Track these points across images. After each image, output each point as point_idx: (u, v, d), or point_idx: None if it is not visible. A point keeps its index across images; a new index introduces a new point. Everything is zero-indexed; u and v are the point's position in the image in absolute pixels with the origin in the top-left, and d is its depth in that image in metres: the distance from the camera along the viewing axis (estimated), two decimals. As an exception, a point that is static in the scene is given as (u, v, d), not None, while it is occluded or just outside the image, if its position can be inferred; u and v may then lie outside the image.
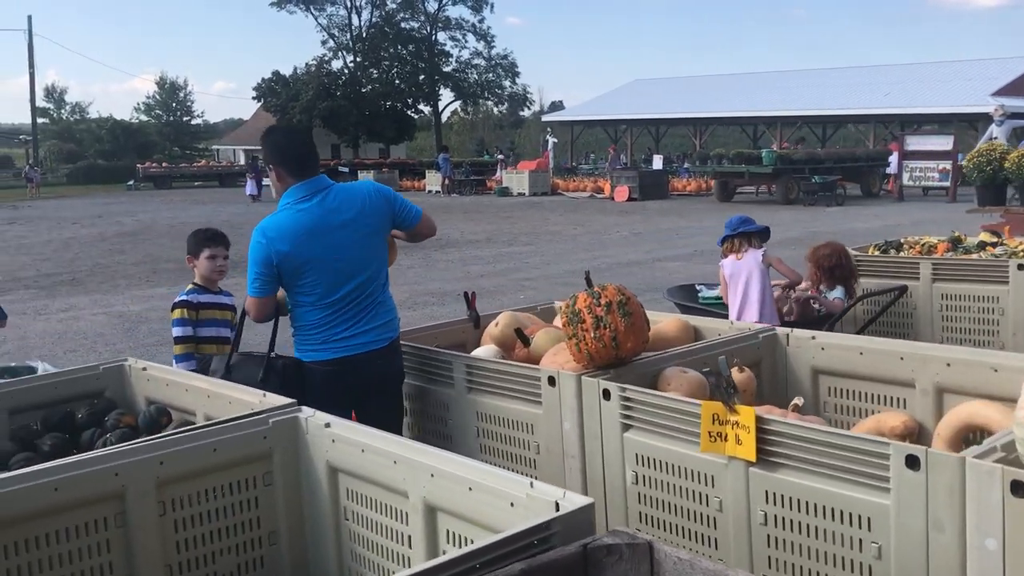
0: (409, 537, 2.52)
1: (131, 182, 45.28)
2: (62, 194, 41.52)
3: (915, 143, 24.49)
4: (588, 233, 17.79)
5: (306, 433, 2.85)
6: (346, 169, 41.61)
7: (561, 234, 17.91)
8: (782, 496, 2.55)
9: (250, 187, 30.43)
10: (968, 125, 31.87)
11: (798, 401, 2.92)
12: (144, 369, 3.75)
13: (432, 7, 64.12)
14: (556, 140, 45.45)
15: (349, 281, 3.68)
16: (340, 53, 62.76)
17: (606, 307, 3.08)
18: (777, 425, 2.54)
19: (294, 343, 3.83)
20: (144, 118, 70.95)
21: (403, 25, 63.92)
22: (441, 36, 64.72)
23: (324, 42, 63.97)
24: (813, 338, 3.57)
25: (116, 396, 3.82)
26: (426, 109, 65.67)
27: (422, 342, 4.05)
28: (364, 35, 63.02)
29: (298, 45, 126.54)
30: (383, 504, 2.59)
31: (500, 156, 38.31)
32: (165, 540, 2.66)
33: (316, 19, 63.28)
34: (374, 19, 63.29)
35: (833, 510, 2.44)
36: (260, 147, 3.93)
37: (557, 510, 2.03)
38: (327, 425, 2.77)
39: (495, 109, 75.12)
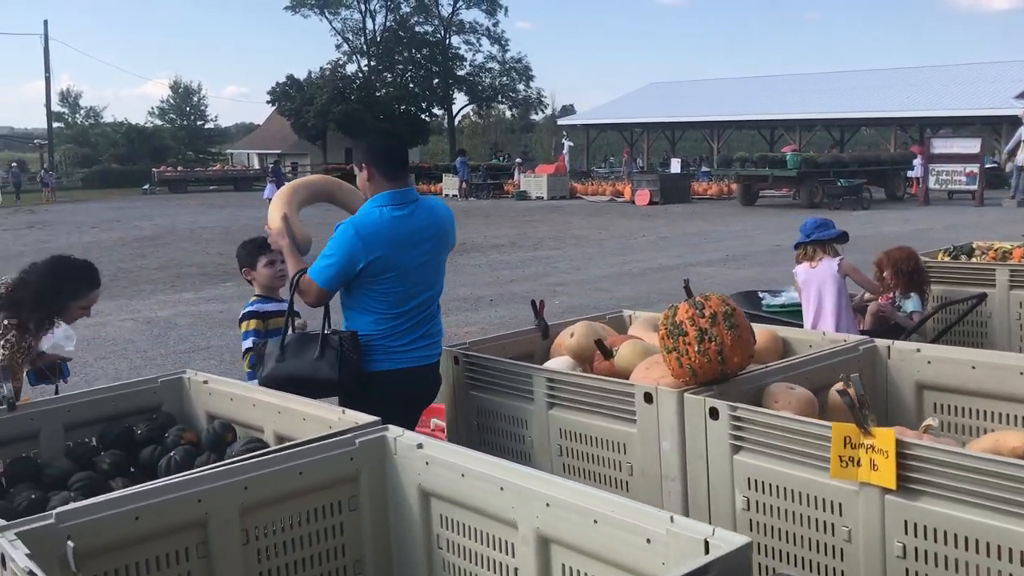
0: (516, 570, 2.32)
1: (146, 186, 45.25)
2: (78, 198, 41.52)
3: (941, 146, 24.21)
4: (613, 237, 17.57)
5: (394, 454, 2.65)
6: (362, 173, 41.52)
7: (586, 238, 17.70)
8: (925, 527, 2.34)
9: (269, 191, 30.24)
10: (991, 129, 31.49)
11: (932, 422, 2.70)
12: (205, 382, 3.56)
13: (446, 11, 64.22)
14: (572, 144, 45.27)
15: (420, 294, 3.62)
16: (354, 57, 62.83)
17: (710, 319, 2.87)
18: (921, 450, 2.33)
19: None
20: (158, 122, 71.07)
21: (417, 29, 63.97)
22: (455, 40, 64.83)
23: (338, 46, 64.16)
24: (918, 351, 3.35)
25: (174, 410, 3.63)
26: (439, 113, 65.63)
27: (490, 353, 3.85)
28: (378, 39, 63.03)
29: (310, 49, 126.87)
30: (485, 534, 2.39)
31: (518, 160, 38.08)
32: (248, 570, 2.47)
33: (331, 23, 63.48)
34: (388, 23, 63.33)
35: (988, 544, 2.23)
36: (359, 142, 3.83)
37: (708, 550, 1.83)
38: (419, 446, 2.57)
39: (507, 113, 74.98)
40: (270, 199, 22.89)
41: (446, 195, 34.64)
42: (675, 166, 38.17)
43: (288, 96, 57.63)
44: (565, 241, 17.11)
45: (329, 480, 2.60)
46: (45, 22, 50.96)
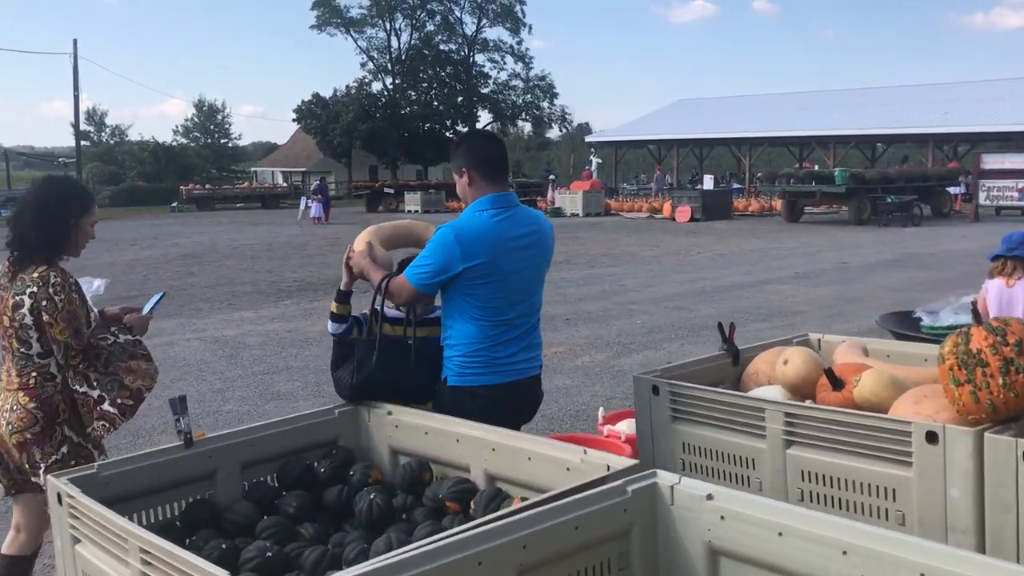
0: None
1: (174, 204, 45.23)
2: (109, 216, 41.46)
3: (992, 162, 23.73)
4: (668, 254, 17.19)
5: (671, 504, 2.28)
6: (391, 190, 41.34)
7: (639, 255, 17.33)
8: None
9: (316, 209, 29.94)
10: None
11: None
12: (389, 413, 3.21)
13: (470, 29, 64.22)
14: (600, 160, 44.98)
15: (522, 301, 3.41)
16: (379, 75, 62.84)
17: (1016, 347, 2.49)
18: None
19: (446, 365, 3.39)
20: (183, 140, 71.28)
21: (441, 47, 63.93)
22: (479, 58, 64.75)
23: (363, 64, 64.21)
24: None
25: (351, 444, 3.28)
26: (464, 131, 65.50)
27: (682, 380, 3.48)
28: (403, 57, 63.04)
29: (327, 68, 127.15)
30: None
31: (552, 177, 37.79)
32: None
33: (356, 41, 63.55)
34: (413, 41, 63.35)
35: None
36: (455, 146, 3.57)
37: None
38: (709, 497, 2.20)
39: (526, 131, 74.84)
40: (318, 218, 22.75)
41: (478, 212, 34.38)
42: (708, 182, 37.78)
43: (313, 114, 57.67)
44: (619, 258, 16.74)
45: (601, 536, 2.24)
46: (75, 41, 50.65)
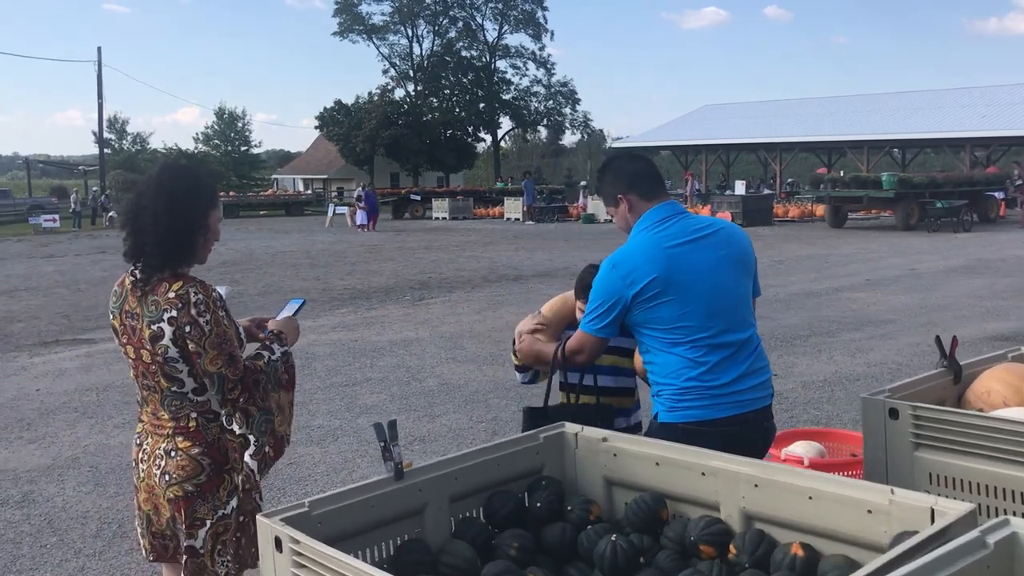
0: None
1: (199, 211, 45.11)
2: (134, 223, 41.33)
3: (1039, 167, 23.22)
4: (722, 261, 16.78)
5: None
6: (417, 197, 41.08)
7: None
8: None
9: (361, 216, 29.59)
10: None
11: None
12: (604, 440, 2.83)
13: (491, 35, 64.07)
14: (627, 167, 44.52)
15: (719, 315, 2.98)
16: (402, 82, 62.72)
17: None
18: None
19: (654, 400, 3.03)
20: (204, 148, 71.31)
21: (463, 53, 63.82)
22: (501, 64, 64.60)
23: (385, 71, 64.14)
24: None
25: (555, 473, 2.90)
26: (487, 137, 65.29)
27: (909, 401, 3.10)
28: (425, 64, 62.93)
29: (341, 76, 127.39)
30: None
31: (583, 183, 37.45)
32: None
33: (378, 48, 63.53)
34: (435, 48, 63.23)
35: None
36: (600, 179, 3.25)
37: None
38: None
39: (542, 137, 74.59)
40: (363, 225, 22.52)
41: (508, 219, 34.08)
42: (739, 188, 37.30)
43: (336, 121, 57.63)
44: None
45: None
46: (99, 49, 51.21)
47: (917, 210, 22.60)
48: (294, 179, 69.85)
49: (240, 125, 74.07)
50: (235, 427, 2.70)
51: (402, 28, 62.75)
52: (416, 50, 63.50)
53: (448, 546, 2.57)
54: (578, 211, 32.54)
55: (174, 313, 2.56)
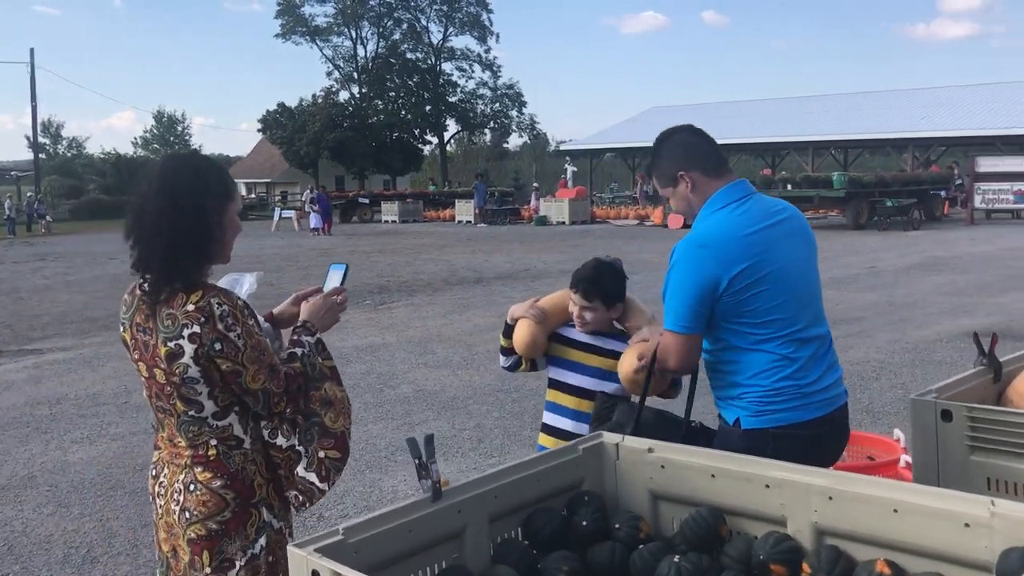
0: None
1: (140, 216, 44.00)
2: (71, 230, 40.25)
3: (988, 165, 23.70)
4: (681, 261, 16.73)
5: None
6: (366, 200, 40.59)
7: (653, 263, 16.82)
8: None
9: (315, 220, 28.94)
10: (1020, 148, 31.09)
11: None
12: (649, 450, 2.61)
13: (436, 38, 63.69)
14: (576, 169, 44.67)
15: (808, 306, 2.72)
16: (346, 84, 62.06)
17: None
18: None
19: (731, 405, 2.76)
20: (143, 152, 69.81)
21: (408, 56, 63.33)
22: (447, 66, 64.27)
23: (329, 73, 63.39)
24: None
25: (595, 487, 2.67)
26: (433, 140, 64.92)
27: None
28: (370, 66, 62.34)
29: (280, 78, 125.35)
30: None
31: (535, 185, 37.35)
32: None
33: (321, 50, 62.79)
34: (379, 50, 62.68)
35: None
36: (654, 158, 2.89)
37: None
38: None
39: (486, 140, 74.43)
40: (316, 229, 22.13)
41: (459, 221, 33.82)
42: (688, 190, 37.49)
43: (279, 124, 56.79)
44: (636, 266, 16.20)
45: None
46: (31, 50, 49.56)
47: (867, 209, 22.88)
48: (237, 183, 68.68)
49: (180, 129, 72.79)
50: (280, 440, 2.39)
51: (346, 30, 62.07)
52: (360, 52, 62.92)
53: (490, 571, 2.33)
54: (530, 213, 32.42)
55: (196, 329, 2.23)
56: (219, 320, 2.24)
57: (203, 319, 2.23)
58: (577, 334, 3.30)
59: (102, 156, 66.47)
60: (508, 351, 3.35)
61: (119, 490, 5.51)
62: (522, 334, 3.24)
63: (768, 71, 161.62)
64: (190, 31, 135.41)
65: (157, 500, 2.44)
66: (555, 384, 3.34)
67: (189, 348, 2.23)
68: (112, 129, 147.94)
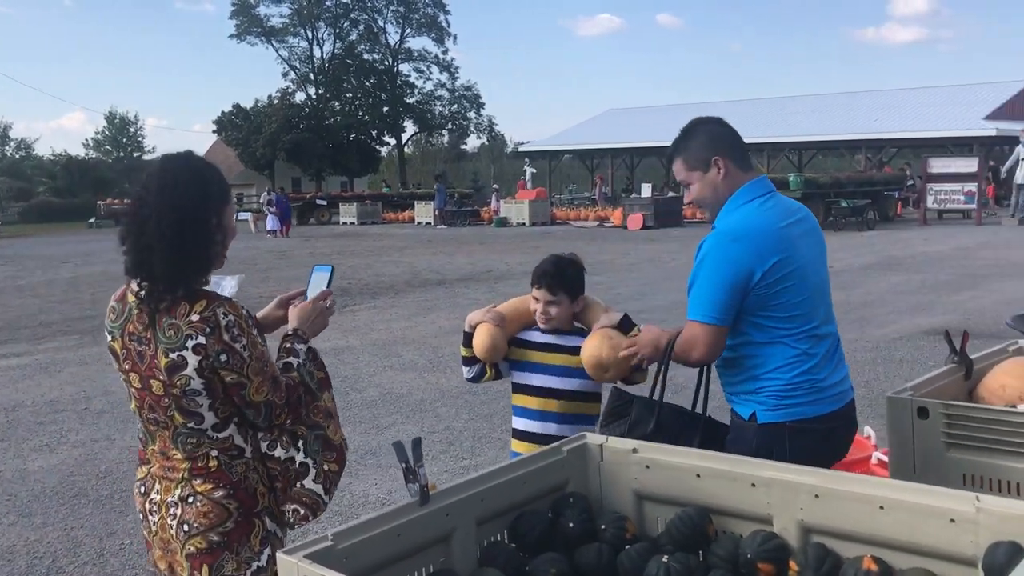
0: None
1: (92, 220, 43.34)
2: (20, 233, 39.43)
3: (939, 165, 24.15)
4: (643, 262, 16.85)
5: None
6: (324, 202, 40.29)
7: (615, 263, 16.94)
8: None
9: (272, 222, 28.52)
10: (967, 149, 31.77)
11: None
12: (634, 451, 2.61)
13: (393, 39, 63.43)
14: (535, 171, 44.75)
15: (822, 304, 2.81)
16: (302, 85, 61.56)
17: None
18: None
19: (748, 400, 2.79)
20: (95, 154, 68.61)
21: (365, 57, 63.00)
22: (404, 68, 64.03)
23: (285, 74, 62.87)
24: None
25: (580, 488, 2.67)
26: (391, 141, 64.68)
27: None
28: (326, 67, 61.90)
29: (236, 79, 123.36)
30: None
31: (495, 186, 37.35)
32: None
33: (277, 51, 62.21)
34: (336, 50, 62.24)
35: None
36: (685, 139, 2.89)
37: None
38: None
39: (443, 142, 74.32)
40: (274, 231, 21.84)
41: (419, 223, 33.70)
42: (646, 191, 37.78)
43: (234, 125, 56.19)
44: (597, 268, 16.24)
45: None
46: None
47: (823, 210, 23.19)
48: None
49: (132, 130, 71.66)
50: (279, 452, 2.33)
51: (302, 31, 61.57)
52: (317, 53, 62.43)
53: (478, 574, 2.32)
54: (490, 214, 32.40)
55: (202, 340, 2.15)
56: (225, 331, 2.17)
57: (208, 329, 2.16)
58: (537, 336, 3.30)
59: (52, 158, 65.19)
60: (470, 360, 3.32)
61: (82, 498, 5.40)
62: (481, 338, 3.22)
63: (722, 73, 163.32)
64: (142, 31, 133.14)
65: (150, 518, 2.36)
66: (519, 388, 3.34)
67: (193, 360, 2.16)
68: (62, 130, 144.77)
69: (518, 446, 3.34)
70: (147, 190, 2.23)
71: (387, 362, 8.84)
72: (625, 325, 3.13)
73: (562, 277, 3.21)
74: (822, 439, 2.74)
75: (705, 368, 2.86)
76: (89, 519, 5.05)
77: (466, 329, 3.29)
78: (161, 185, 2.21)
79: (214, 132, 58.99)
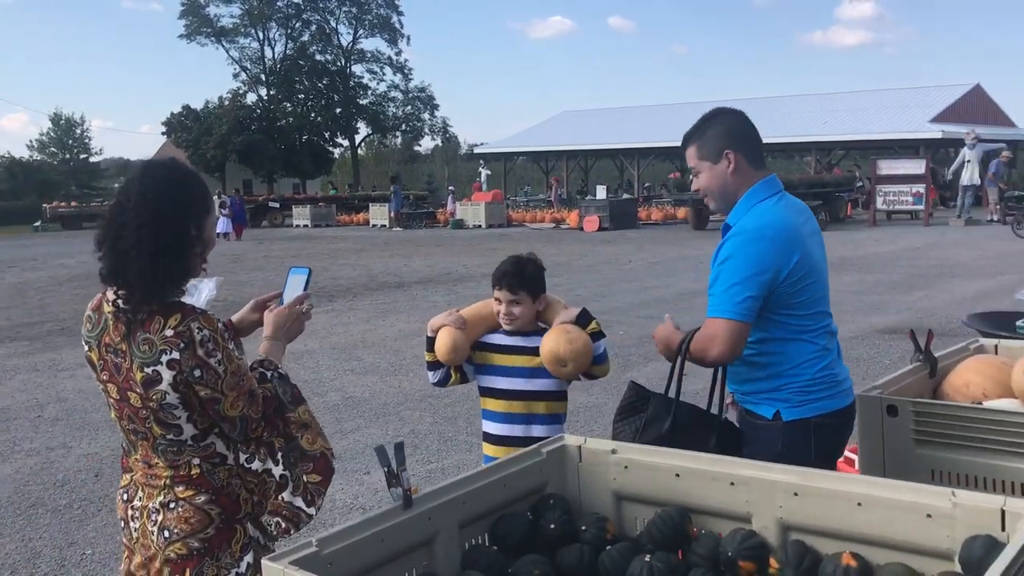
0: None
1: (37, 223, 42.43)
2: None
3: (888, 167, 24.61)
4: (601, 263, 16.94)
5: None
6: (276, 204, 39.88)
7: (572, 265, 17.01)
8: None
9: (223, 224, 28.11)
10: (913, 151, 32.43)
11: None
12: (613, 452, 2.63)
13: (346, 40, 63.03)
14: (490, 172, 44.76)
15: (829, 299, 2.86)
16: (254, 86, 60.87)
17: None
18: None
19: (768, 398, 2.79)
20: (39, 156, 67.13)
21: (317, 57, 62.51)
22: (357, 69, 63.64)
23: (236, 75, 62.16)
24: None
25: (559, 489, 2.68)
26: (344, 143, 64.20)
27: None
28: (278, 68, 61.31)
29: (186, 79, 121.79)
30: None
31: (451, 188, 37.26)
32: None
33: (227, 51, 61.46)
34: (288, 51, 61.69)
35: None
36: (701, 128, 2.87)
37: None
38: None
39: (397, 143, 74.00)
40: (226, 234, 21.50)
41: (374, 225, 33.52)
42: (600, 193, 37.99)
43: (184, 127, 55.40)
44: (555, 269, 16.33)
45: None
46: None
47: (775, 211, 23.48)
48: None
49: (79, 132, 70.24)
50: (256, 465, 2.30)
51: (253, 31, 60.89)
52: (268, 54, 61.81)
53: (463, 579, 2.32)
54: (446, 217, 32.33)
55: (175, 356, 2.11)
56: (199, 346, 2.13)
57: (183, 345, 2.12)
58: (499, 339, 3.30)
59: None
60: (433, 364, 3.32)
61: (40, 508, 5.28)
62: (443, 341, 3.22)
63: (674, 76, 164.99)
64: (86, 31, 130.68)
65: (131, 524, 2.33)
66: (484, 391, 3.35)
67: (167, 375, 2.13)
68: (4, 132, 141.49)
69: (488, 449, 3.36)
70: (127, 196, 2.17)
71: (347, 366, 8.77)
72: (583, 319, 3.15)
73: (522, 276, 3.23)
74: (835, 432, 2.78)
75: (720, 369, 2.84)
76: (48, 529, 4.94)
77: (428, 334, 3.29)
78: (142, 192, 2.16)
79: (163, 134, 58.14)
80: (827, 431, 2.75)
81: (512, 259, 3.31)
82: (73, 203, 47.50)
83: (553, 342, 3.06)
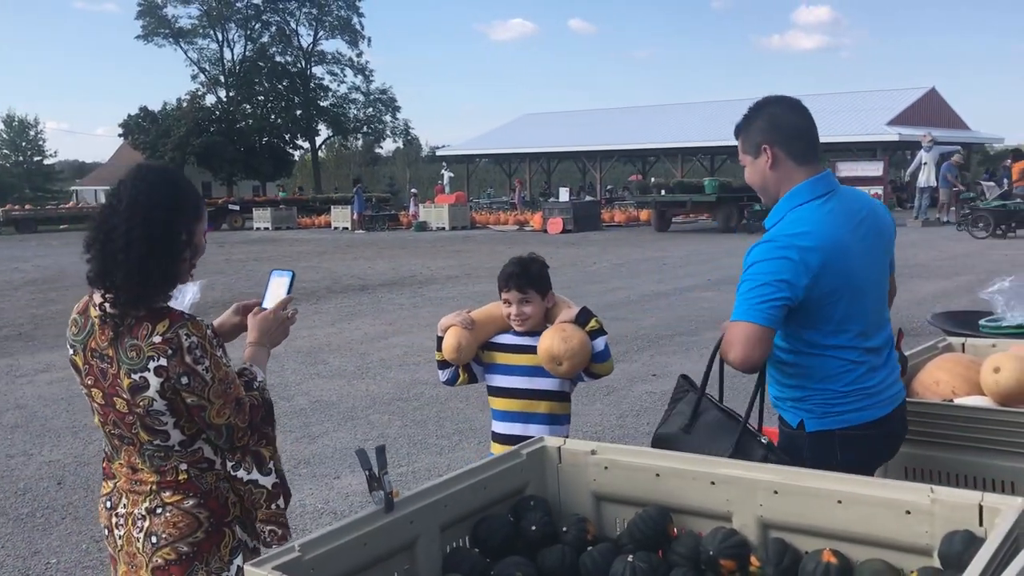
0: None
1: (-10, 226, 41.54)
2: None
3: (847, 169, 24.95)
4: (566, 265, 16.95)
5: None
6: (236, 207, 39.44)
7: (537, 267, 17.00)
8: None
9: None
10: (871, 153, 32.90)
11: None
12: (593, 452, 2.63)
13: (307, 41, 62.60)
14: (452, 175, 44.71)
15: (878, 310, 2.71)
16: (212, 88, 60.22)
17: None
18: None
19: (792, 408, 2.72)
20: (-10, 158, 65.88)
21: (277, 59, 62.01)
22: (318, 70, 63.24)
23: (195, 76, 61.41)
24: None
25: (539, 491, 2.68)
26: (305, 144, 63.73)
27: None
28: (237, 69, 60.72)
29: (144, 81, 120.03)
30: None
31: (414, 191, 37.13)
32: None
33: (186, 53, 60.74)
34: (247, 53, 61.12)
35: None
36: (745, 120, 2.73)
37: None
38: None
39: (357, 146, 73.63)
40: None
41: (335, 228, 33.29)
42: (563, 195, 38.07)
43: (142, 129, 54.63)
44: (519, 271, 16.39)
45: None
46: None
47: (736, 213, 23.74)
48: (96, 190, 65.40)
49: (32, 134, 69.01)
50: (241, 473, 2.26)
51: (212, 32, 60.26)
52: (227, 55, 61.18)
53: (445, 582, 2.31)
54: (409, 219, 32.22)
55: (163, 362, 2.09)
56: (187, 352, 2.11)
57: (171, 351, 2.10)
58: (506, 338, 3.32)
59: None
60: (443, 363, 3.36)
61: (1, 517, 5.17)
62: (449, 340, 3.26)
63: (635, 78, 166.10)
64: (38, 32, 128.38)
65: (115, 531, 2.29)
66: (490, 391, 3.39)
67: (155, 381, 2.11)
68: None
69: (494, 448, 3.37)
70: (119, 198, 2.14)
71: (314, 369, 8.70)
72: (583, 318, 3.15)
73: (528, 275, 3.24)
74: (871, 443, 2.66)
75: (761, 374, 2.73)
76: (10, 539, 4.84)
77: (439, 333, 3.31)
78: (134, 195, 2.13)
79: (120, 136, 57.24)
80: (858, 443, 2.63)
81: (515, 260, 3.31)
82: (27, 206, 46.59)
83: (548, 340, 3.08)
